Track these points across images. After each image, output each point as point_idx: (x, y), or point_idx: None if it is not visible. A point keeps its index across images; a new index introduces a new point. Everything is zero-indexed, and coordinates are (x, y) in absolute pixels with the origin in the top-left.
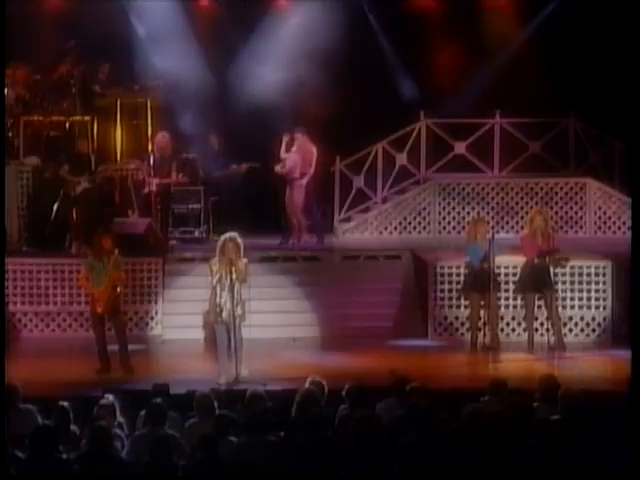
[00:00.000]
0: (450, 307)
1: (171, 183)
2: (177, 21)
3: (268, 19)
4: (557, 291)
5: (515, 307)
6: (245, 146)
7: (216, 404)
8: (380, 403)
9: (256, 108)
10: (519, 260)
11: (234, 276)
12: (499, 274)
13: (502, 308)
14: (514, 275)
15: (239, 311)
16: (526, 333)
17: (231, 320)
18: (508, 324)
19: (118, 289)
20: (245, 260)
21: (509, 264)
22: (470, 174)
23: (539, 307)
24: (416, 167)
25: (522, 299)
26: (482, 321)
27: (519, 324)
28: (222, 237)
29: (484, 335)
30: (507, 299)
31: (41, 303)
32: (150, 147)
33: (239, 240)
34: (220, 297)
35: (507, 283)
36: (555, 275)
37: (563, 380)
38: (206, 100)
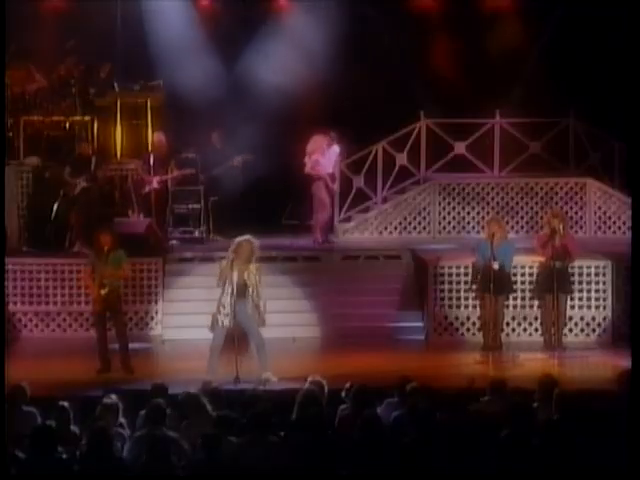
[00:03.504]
0: (450, 307)
1: (168, 182)
2: (178, 21)
3: (268, 19)
4: (573, 292)
5: (515, 307)
6: (246, 145)
7: (208, 403)
8: (380, 404)
9: (257, 107)
10: (527, 260)
11: (236, 279)
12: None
13: (503, 308)
14: (522, 275)
15: (254, 314)
16: (526, 333)
17: (230, 323)
18: (508, 324)
19: (107, 288)
20: (257, 265)
21: (517, 264)
22: (470, 174)
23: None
24: (416, 167)
25: (538, 299)
26: (492, 321)
27: (519, 324)
28: (237, 239)
29: (492, 336)
30: (507, 299)
31: (41, 303)
32: (149, 147)
33: (254, 243)
34: (221, 299)
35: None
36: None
37: (563, 380)
38: (208, 99)
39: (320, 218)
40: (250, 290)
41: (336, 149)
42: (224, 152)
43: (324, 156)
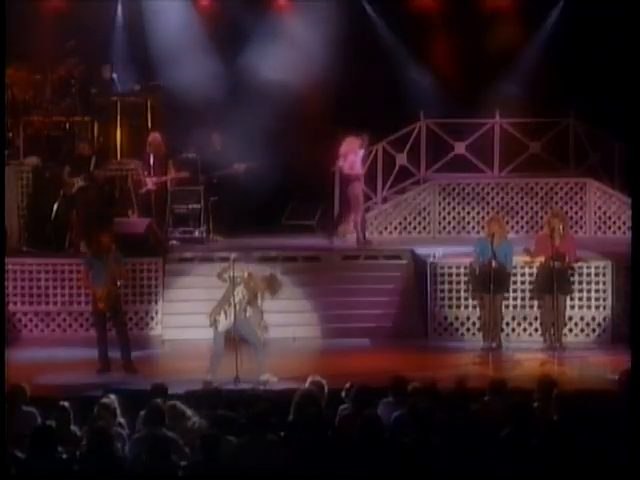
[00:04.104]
0: (450, 307)
1: (167, 182)
2: (178, 21)
3: (268, 19)
4: (573, 292)
5: (515, 307)
6: (245, 146)
7: (187, 410)
8: (379, 404)
9: (256, 107)
10: (527, 260)
11: (246, 294)
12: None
13: (502, 308)
14: (522, 275)
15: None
16: (526, 333)
17: (229, 330)
18: (508, 324)
19: (119, 283)
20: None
21: (517, 264)
22: (470, 174)
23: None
24: (416, 167)
25: (537, 299)
26: (492, 321)
27: (519, 324)
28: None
29: (492, 336)
30: (506, 299)
31: (41, 303)
32: (147, 148)
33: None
34: (225, 306)
35: (514, 283)
36: (572, 276)
37: (563, 380)
38: (207, 99)
39: (358, 218)
40: (258, 304)
41: (362, 152)
42: (223, 154)
43: (357, 157)
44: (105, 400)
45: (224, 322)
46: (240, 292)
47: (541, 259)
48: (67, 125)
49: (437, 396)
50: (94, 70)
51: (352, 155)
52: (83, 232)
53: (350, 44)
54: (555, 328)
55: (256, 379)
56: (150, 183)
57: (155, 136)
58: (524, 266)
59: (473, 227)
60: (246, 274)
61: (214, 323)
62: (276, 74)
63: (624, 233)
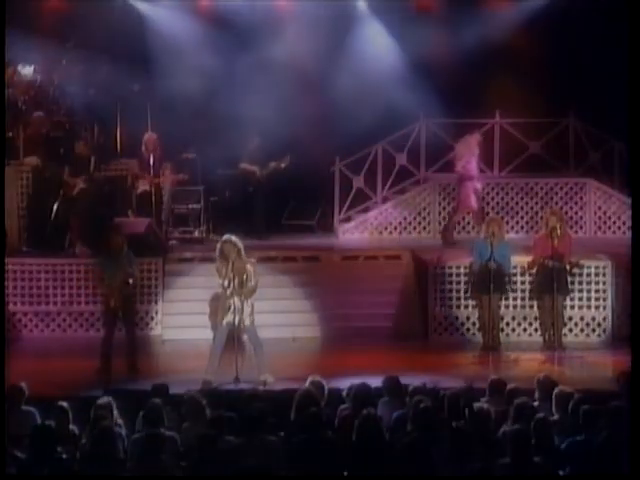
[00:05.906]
0: (450, 307)
1: (162, 183)
2: (179, 20)
3: (270, 18)
4: (572, 292)
5: (515, 307)
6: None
7: (206, 403)
8: (379, 403)
9: (256, 107)
10: (527, 260)
11: (236, 278)
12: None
13: (502, 308)
14: (522, 275)
15: (246, 313)
16: (526, 333)
17: (234, 323)
18: (508, 324)
19: (130, 280)
20: (252, 260)
21: (517, 264)
22: None
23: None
24: (416, 167)
25: (537, 299)
26: (491, 322)
27: (519, 324)
28: (220, 240)
29: (491, 336)
30: (507, 299)
31: (41, 303)
32: (143, 148)
33: (235, 241)
34: (222, 299)
35: (514, 284)
36: (573, 276)
37: (563, 380)
38: (206, 99)
39: (476, 218)
40: (244, 288)
41: (477, 150)
42: (260, 154)
43: (473, 157)
44: (102, 401)
45: (230, 313)
46: (233, 274)
47: (541, 260)
48: (67, 125)
49: (437, 396)
50: (93, 70)
51: (468, 155)
52: (82, 233)
53: (351, 43)
54: (555, 328)
55: (256, 379)
56: (144, 183)
57: (151, 136)
58: (524, 266)
59: (473, 227)
60: (235, 256)
61: (224, 312)
62: (276, 74)
63: (624, 233)
